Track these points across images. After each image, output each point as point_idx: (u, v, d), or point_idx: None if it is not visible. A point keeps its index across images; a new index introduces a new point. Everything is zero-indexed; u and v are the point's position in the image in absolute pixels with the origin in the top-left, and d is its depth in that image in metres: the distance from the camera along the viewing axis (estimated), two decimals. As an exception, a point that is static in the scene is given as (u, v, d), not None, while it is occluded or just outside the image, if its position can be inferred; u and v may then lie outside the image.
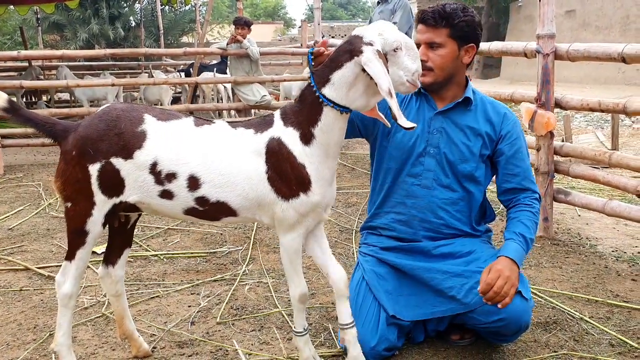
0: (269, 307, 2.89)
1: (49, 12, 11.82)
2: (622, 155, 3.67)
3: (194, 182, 2.00)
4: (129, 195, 2.03)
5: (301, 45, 9.90)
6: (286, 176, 1.99)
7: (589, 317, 2.72)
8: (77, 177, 2.01)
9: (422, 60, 2.26)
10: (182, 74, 10.67)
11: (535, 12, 3.93)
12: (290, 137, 1.99)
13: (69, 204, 2.05)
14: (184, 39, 20.80)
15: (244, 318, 2.78)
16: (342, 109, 1.95)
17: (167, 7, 17.82)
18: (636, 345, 2.45)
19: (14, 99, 4.00)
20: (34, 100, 11.80)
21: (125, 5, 17.56)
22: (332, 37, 20.40)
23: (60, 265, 3.43)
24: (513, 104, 4.47)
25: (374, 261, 2.47)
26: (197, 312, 2.85)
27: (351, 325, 2.14)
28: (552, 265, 3.44)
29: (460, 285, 2.27)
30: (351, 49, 1.90)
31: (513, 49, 4.24)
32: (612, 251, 3.70)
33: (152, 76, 10.41)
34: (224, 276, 3.31)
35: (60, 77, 10.09)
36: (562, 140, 6.18)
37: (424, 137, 2.39)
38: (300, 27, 11.45)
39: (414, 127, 1.90)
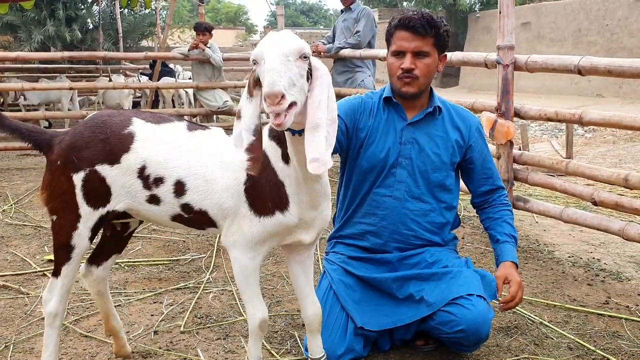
0: (234, 315, 2.86)
1: (2, 12, 11.41)
2: (577, 163, 3.79)
3: (180, 188, 1.92)
4: (117, 204, 1.96)
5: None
6: (264, 191, 1.88)
7: (548, 322, 2.79)
8: (62, 188, 1.94)
9: (409, 69, 2.26)
10: (146, 77, 10.46)
11: (492, 23, 4.04)
12: (273, 151, 1.87)
13: (55, 217, 1.98)
14: (144, 43, 20.44)
15: (208, 327, 2.74)
16: (290, 130, 1.71)
17: (126, 10, 17.51)
18: (593, 348, 2.52)
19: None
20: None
21: (82, 7, 17.09)
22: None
23: (17, 274, 3.36)
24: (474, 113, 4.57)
25: (341, 270, 2.46)
26: (160, 321, 2.79)
27: (322, 357, 2.17)
28: (512, 271, 3.51)
29: (430, 288, 2.30)
30: None
31: (474, 60, 4.34)
32: (569, 257, 3.81)
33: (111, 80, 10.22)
34: (187, 284, 3.26)
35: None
36: (520, 149, 6.34)
37: (395, 148, 2.37)
38: (262, 33, 11.42)
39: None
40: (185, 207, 1.94)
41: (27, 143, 2.04)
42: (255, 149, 1.68)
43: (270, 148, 1.87)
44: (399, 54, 2.29)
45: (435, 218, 2.42)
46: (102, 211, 1.96)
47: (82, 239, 1.97)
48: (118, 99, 9.79)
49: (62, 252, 1.99)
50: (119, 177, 1.93)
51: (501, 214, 2.46)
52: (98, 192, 1.93)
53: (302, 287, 2.13)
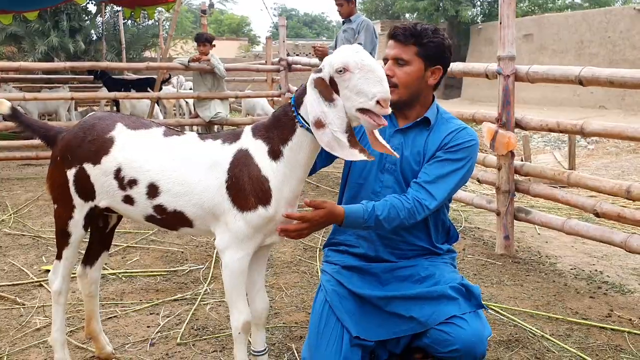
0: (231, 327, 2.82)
1: (6, 23, 11.51)
2: (580, 175, 3.76)
3: (153, 190, 2.04)
4: (100, 200, 2.13)
5: (265, 62, 9.88)
6: (247, 187, 1.96)
7: (550, 335, 2.75)
8: (59, 181, 2.15)
9: (387, 75, 2.25)
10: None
11: (494, 35, 4.04)
12: (258, 149, 1.98)
13: (56, 206, 2.20)
14: (147, 54, 20.51)
15: (205, 339, 2.71)
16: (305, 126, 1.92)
17: (129, 21, 17.59)
18: (596, 363, 2.48)
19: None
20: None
21: (86, 18, 17.17)
22: (297, 54, 20.52)
23: (13, 285, 3.34)
24: (475, 123, 4.55)
25: (335, 281, 2.44)
26: (157, 332, 2.76)
27: (263, 352, 2.28)
28: (513, 283, 3.48)
29: (419, 307, 2.26)
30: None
31: (474, 70, 4.33)
32: (571, 269, 3.77)
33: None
34: (184, 295, 3.23)
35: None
36: (522, 160, 6.32)
37: (383, 153, 2.33)
38: (264, 44, 11.45)
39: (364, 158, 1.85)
40: (158, 208, 2.05)
41: (37, 137, 2.27)
42: (355, 143, 1.85)
43: (254, 146, 1.99)
44: (385, 61, 2.33)
45: (421, 224, 2.37)
46: (91, 204, 2.15)
47: (77, 227, 2.18)
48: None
49: (62, 237, 2.20)
50: (99, 176, 2.10)
51: (390, 197, 2.20)
52: (85, 187, 2.12)
53: (255, 281, 2.23)
